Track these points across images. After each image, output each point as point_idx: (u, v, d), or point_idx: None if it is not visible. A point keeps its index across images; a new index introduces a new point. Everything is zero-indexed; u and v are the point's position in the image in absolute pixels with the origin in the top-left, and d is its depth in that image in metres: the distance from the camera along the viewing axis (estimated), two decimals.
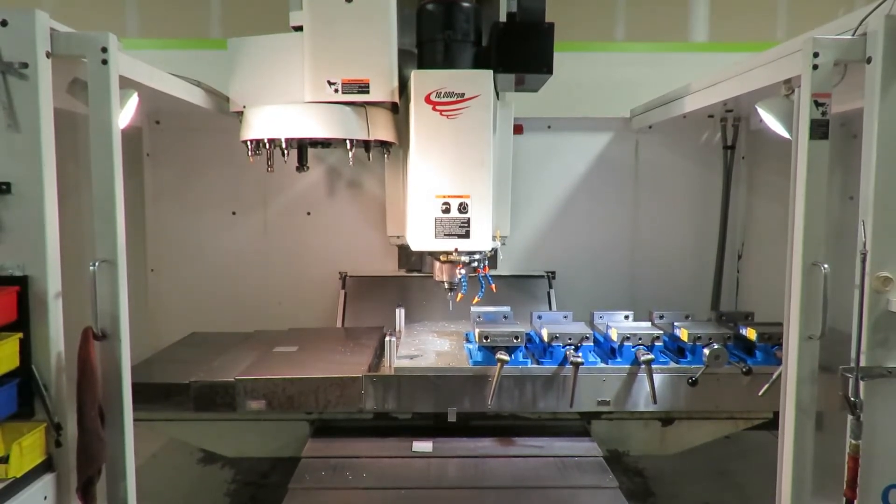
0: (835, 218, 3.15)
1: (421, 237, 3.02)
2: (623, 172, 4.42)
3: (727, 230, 4.29)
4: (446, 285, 3.25)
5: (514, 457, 3.02)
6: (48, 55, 2.27)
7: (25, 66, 2.22)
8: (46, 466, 2.35)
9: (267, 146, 3.21)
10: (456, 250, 3.03)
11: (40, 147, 2.26)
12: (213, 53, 4.41)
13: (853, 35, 2.27)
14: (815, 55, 2.28)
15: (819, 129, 2.33)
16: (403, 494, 2.70)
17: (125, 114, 2.56)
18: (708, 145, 4.39)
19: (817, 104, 2.32)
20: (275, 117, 3.13)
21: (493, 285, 3.36)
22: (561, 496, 2.70)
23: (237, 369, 3.13)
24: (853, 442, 2.30)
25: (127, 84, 2.55)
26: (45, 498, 2.32)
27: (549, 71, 3.10)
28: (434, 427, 3.19)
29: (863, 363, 2.28)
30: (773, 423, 3.10)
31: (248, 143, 3.23)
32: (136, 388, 2.68)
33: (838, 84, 2.35)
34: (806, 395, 2.45)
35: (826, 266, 2.35)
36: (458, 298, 3.27)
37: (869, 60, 2.23)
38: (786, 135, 2.58)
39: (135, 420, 2.53)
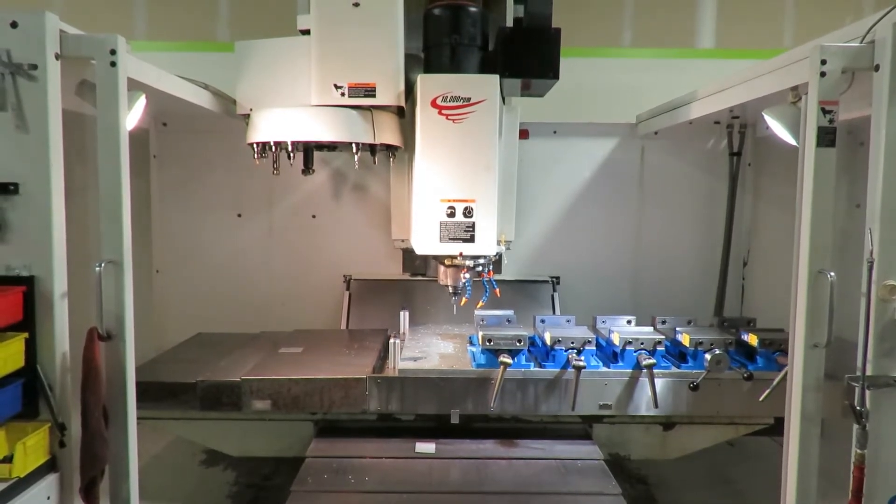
0: (841, 226, 3.14)
1: (426, 241, 3.02)
2: (628, 178, 4.42)
3: (732, 237, 4.28)
4: (450, 289, 3.25)
5: (517, 459, 3.02)
6: (57, 57, 2.29)
7: (34, 67, 2.24)
8: (50, 466, 2.36)
9: (273, 149, 3.22)
10: (461, 254, 3.02)
11: (48, 148, 2.28)
12: (221, 56, 4.42)
13: (861, 43, 2.27)
14: (823, 62, 2.28)
15: (826, 137, 2.32)
16: (405, 498, 2.70)
17: (133, 115, 2.57)
18: (714, 152, 4.38)
19: (824, 111, 2.31)
20: (281, 120, 3.14)
21: (498, 290, 3.36)
22: (565, 502, 2.69)
23: (243, 369, 3.14)
24: (858, 451, 2.29)
25: (135, 86, 2.56)
26: (49, 498, 2.33)
27: (555, 76, 3.10)
28: (437, 428, 3.20)
29: (869, 372, 2.27)
30: (773, 429, 3.10)
31: (255, 145, 3.24)
32: (143, 387, 2.70)
33: (846, 91, 2.34)
34: (811, 404, 2.44)
35: (832, 274, 2.34)
36: (461, 303, 3.27)
37: (877, 68, 2.22)
38: (792, 142, 2.58)
39: (142, 419, 2.54)
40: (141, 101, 2.66)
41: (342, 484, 2.79)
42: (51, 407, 2.33)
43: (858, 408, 2.27)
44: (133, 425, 2.53)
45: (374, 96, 3.05)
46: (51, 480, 2.34)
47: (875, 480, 2.31)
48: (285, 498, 2.68)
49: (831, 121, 2.32)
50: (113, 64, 2.36)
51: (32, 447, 2.25)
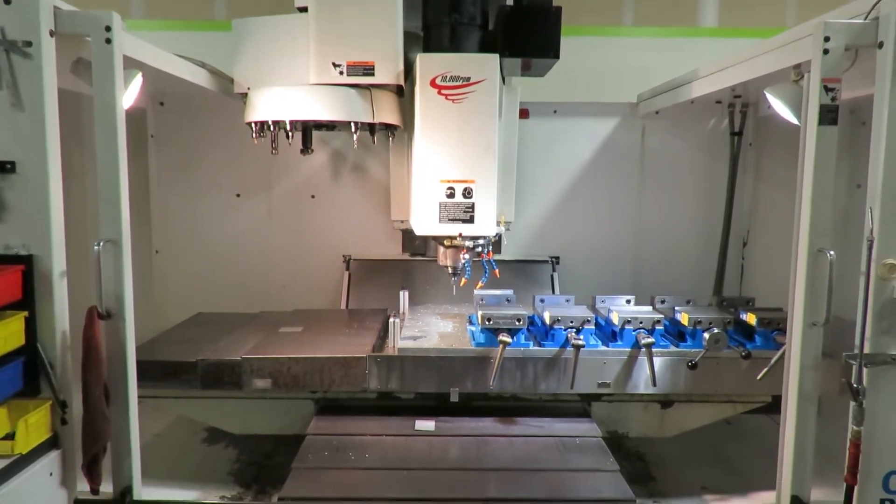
0: (841, 205, 3.14)
1: (425, 222, 3.01)
2: (629, 158, 4.40)
3: (732, 217, 4.27)
4: (450, 270, 3.25)
5: (516, 436, 3.04)
6: (52, 34, 2.27)
7: (29, 44, 2.23)
8: (52, 443, 2.38)
9: (271, 128, 3.21)
10: (460, 235, 3.02)
11: (45, 126, 2.27)
12: (218, 35, 4.39)
13: (865, 19, 2.24)
14: (826, 39, 2.26)
15: (828, 115, 2.32)
16: (406, 475, 2.72)
17: (129, 94, 2.56)
18: (715, 131, 4.36)
19: (827, 89, 2.30)
20: (279, 99, 3.11)
21: (497, 270, 3.36)
22: (563, 479, 2.72)
23: (243, 349, 3.15)
24: (855, 428, 2.32)
25: (131, 64, 2.55)
26: (51, 474, 2.35)
27: (556, 56, 3.07)
28: (436, 407, 3.22)
29: (867, 350, 2.28)
30: (770, 407, 3.12)
31: (253, 125, 3.22)
32: (145, 367, 2.71)
33: (848, 69, 2.33)
34: (808, 382, 2.46)
35: (832, 253, 2.34)
36: (461, 283, 3.27)
37: (881, 45, 2.21)
38: (794, 121, 2.56)
39: (144, 397, 2.55)
40: (137, 80, 2.64)
41: (343, 461, 2.81)
42: (52, 385, 2.34)
43: (855, 385, 2.29)
44: (134, 403, 2.55)
45: (372, 75, 3.03)
46: (53, 457, 2.36)
47: (871, 457, 2.33)
48: (286, 475, 2.71)
49: (833, 98, 2.30)
50: (108, 41, 2.34)
51: (34, 424, 2.27)
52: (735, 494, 3.13)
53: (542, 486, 2.66)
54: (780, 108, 2.64)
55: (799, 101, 2.48)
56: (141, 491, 2.59)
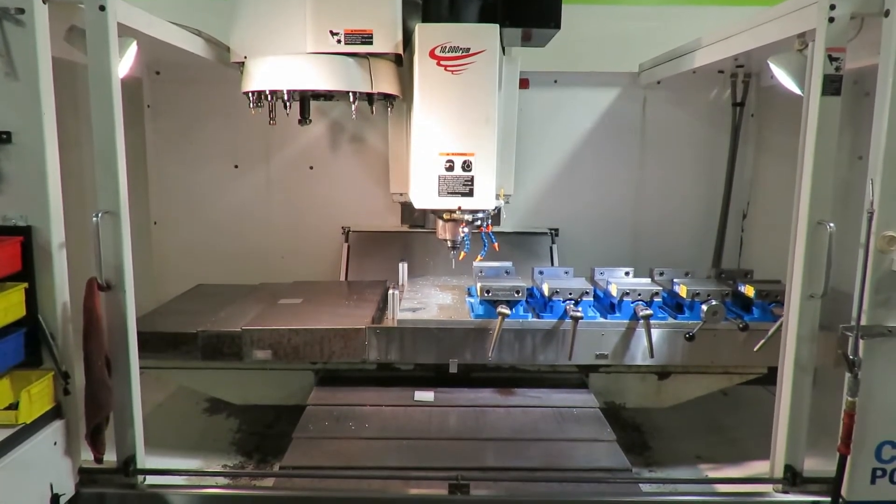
0: (842, 177, 3.12)
1: (424, 195, 3.00)
2: (630, 129, 4.36)
3: (733, 189, 4.26)
4: (449, 244, 3.24)
5: (514, 407, 3.08)
6: (44, 0, 2.23)
7: (21, 11, 2.19)
8: (55, 413, 2.41)
9: (269, 98, 3.17)
10: (459, 209, 3.01)
11: (39, 95, 2.25)
12: (215, 2, 4.30)
13: None
14: (832, 7, 2.23)
15: (832, 85, 2.29)
16: (405, 445, 2.76)
17: (124, 63, 2.52)
18: (717, 102, 4.31)
19: (831, 59, 2.27)
20: (276, 68, 3.07)
21: (496, 244, 3.36)
22: (560, 448, 2.76)
23: (243, 320, 3.16)
24: (849, 399, 2.34)
25: (125, 32, 2.50)
26: (55, 444, 2.38)
27: (557, 26, 3.03)
28: (436, 378, 3.25)
29: (863, 322, 2.30)
30: (767, 378, 3.15)
31: (250, 94, 3.18)
32: (146, 338, 2.73)
33: (853, 39, 2.29)
34: (805, 353, 2.48)
35: (832, 225, 2.34)
36: (460, 257, 3.27)
37: (887, 13, 2.18)
38: (797, 90, 2.54)
39: (145, 368, 2.56)
40: (132, 48, 2.60)
41: (343, 431, 2.85)
42: (53, 356, 2.36)
43: (851, 357, 2.31)
44: (135, 374, 2.57)
45: (371, 43, 2.99)
46: (57, 427, 2.39)
47: (864, 427, 2.36)
48: (287, 445, 2.75)
49: (838, 69, 2.28)
50: (102, 8, 2.30)
51: (37, 395, 2.29)
52: (730, 463, 3.18)
53: (540, 456, 2.70)
54: (783, 77, 2.61)
55: (802, 71, 2.45)
56: (144, 460, 2.62)
